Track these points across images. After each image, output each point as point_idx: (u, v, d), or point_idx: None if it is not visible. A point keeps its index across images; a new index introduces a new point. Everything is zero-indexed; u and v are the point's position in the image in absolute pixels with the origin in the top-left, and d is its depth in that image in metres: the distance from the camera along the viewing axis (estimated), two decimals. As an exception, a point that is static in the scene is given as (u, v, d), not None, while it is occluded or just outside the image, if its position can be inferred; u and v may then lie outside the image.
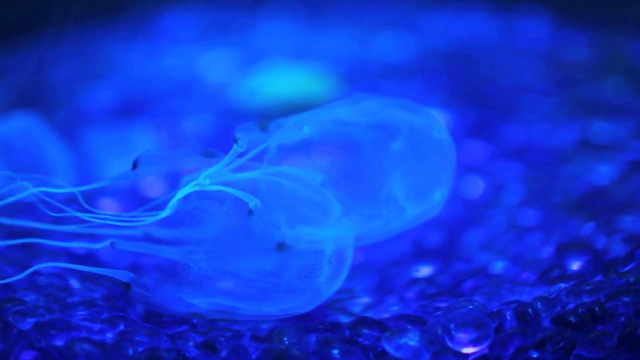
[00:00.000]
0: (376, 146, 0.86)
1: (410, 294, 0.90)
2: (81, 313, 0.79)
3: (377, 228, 0.86)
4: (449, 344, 0.78)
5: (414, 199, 0.86)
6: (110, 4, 1.56)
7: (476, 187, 1.17)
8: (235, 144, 0.84)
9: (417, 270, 0.96)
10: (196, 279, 0.81)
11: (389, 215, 0.85)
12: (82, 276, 0.87)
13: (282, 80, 1.44)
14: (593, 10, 1.65)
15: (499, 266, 0.96)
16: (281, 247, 0.79)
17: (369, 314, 0.82)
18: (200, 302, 0.82)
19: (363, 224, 0.85)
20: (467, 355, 0.78)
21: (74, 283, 0.85)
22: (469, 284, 0.92)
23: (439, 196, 0.88)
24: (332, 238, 0.81)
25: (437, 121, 0.88)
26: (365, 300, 0.89)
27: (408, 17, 1.67)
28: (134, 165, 0.87)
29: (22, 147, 1.17)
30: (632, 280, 0.83)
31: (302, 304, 0.82)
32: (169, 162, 0.87)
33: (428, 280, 0.93)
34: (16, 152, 1.17)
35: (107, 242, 0.82)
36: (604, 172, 1.15)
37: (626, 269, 0.86)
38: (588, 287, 0.82)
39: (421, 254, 0.99)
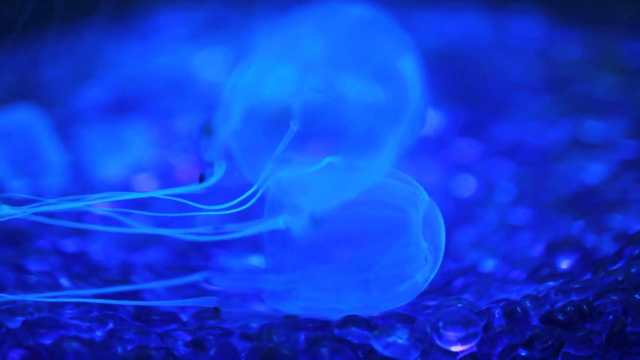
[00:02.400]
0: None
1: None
2: (70, 311, 0.79)
3: None
4: (438, 342, 0.78)
5: None
6: (103, 3, 1.56)
7: (467, 185, 1.17)
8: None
9: None
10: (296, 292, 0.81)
11: None
12: (72, 275, 0.87)
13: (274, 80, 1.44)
14: (586, 9, 1.65)
15: (489, 264, 0.96)
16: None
17: (358, 312, 0.82)
18: (296, 307, 0.81)
19: None
20: (456, 353, 0.78)
21: (64, 282, 0.85)
22: (459, 282, 0.92)
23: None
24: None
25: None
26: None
27: (400, 16, 1.67)
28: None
29: (19, 140, 1.18)
30: (620, 278, 0.83)
31: (401, 296, 0.81)
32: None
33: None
34: (13, 144, 1.17)
35: (201, 276, 0.80)
36: (595, 171, 1.15)
37: (615, 267, 0.86)
38: (577, 286, 0.83)
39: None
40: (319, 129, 0.83)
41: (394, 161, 0.84)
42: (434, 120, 1.33)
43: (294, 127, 0.80)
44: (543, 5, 1.67)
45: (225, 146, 0.84)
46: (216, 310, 0.80)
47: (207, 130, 0.84)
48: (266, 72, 0.85)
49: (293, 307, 0.81)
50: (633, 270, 0.84)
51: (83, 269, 0.90)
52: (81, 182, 1.16)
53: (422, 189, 0.83)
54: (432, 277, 0.83)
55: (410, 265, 0.80)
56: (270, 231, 0.80)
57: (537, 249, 0.97)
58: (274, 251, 0.81)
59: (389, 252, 0.79)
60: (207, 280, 0.79)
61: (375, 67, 0.85)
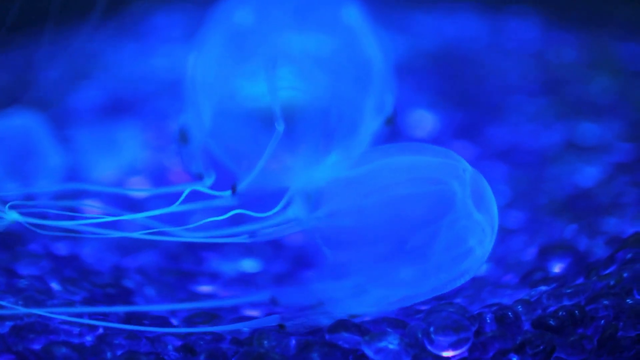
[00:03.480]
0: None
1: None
2: (60, 316, 0.79)
3: None
4: (429, 347, 0.78)
5: None
6: (99, 3, 1.56)
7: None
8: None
9: None
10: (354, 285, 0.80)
11: None
12: (63, 279, 0.86)
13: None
14: (582, 11, 1.65)
15: (482, 268, 0.96)
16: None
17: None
18: (361, 305, 0.81)
19: None
20: (447, 358, 0.78)
21: (55, 285, 0.85)
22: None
23: None
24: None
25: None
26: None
27: (397, 18, 1.67)
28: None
29: (17, 145, 1.17)
30: (612, 283, 0.83)
31: (464, 274, 0.81)
32: None
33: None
34: (11, 148, 1.17)
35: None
36: (589, 174, 1.15)
37: (607, 271, 0.86)
38: (569, 290, 0.83)
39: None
40: (303, 124, 0.83)
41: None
42: (429, 122, 1.33)
43: (279, 127, 0.80)
44: (539, 7, 1.67)
45: (205, 150, 0.83)
46: (281, 326, 0.80)
47: (182, 137, 0.84)
48: (230, 67, 0.85)
49: (359, 307, 0.80)
50: (625, 274, 0.83)
51: (74, 272, 0.90)
52: (75, 184, 1.16)
53: (462, 160, 0.83)
54: (491, 247, 0.82)
55: (467, 239, 0.80)
56: (323, 238, 0.80)
57: (530, 253, 0.97)
58: (330, 257, 0.81)
59: (441, 229, 0.79)
60: (273, 301, 0.79)
61: (320, 18, 0.86)
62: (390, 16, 1.67)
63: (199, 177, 0.83)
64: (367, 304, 0.80)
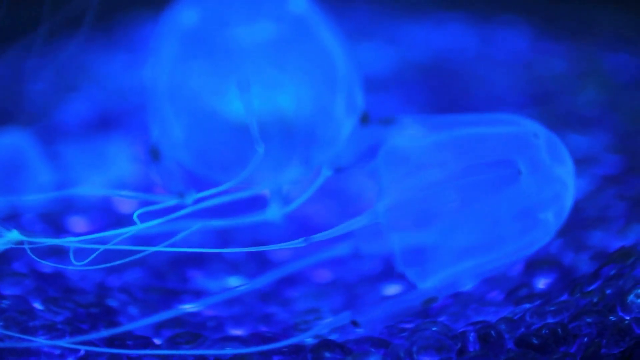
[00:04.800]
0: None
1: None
2: (43, 338, 0.78)
3: None
4: (412, 367, 0.78)
5: None
6: (88, 14, 1.55)
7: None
8: None
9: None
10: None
11: None
12: (46, 299, 0.86)
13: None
14: (571, 22, 1.66)
15: (468, 284, 0.96)
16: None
17: (334, 336, 0.82)
18: (438, 279, 0.80)
19: None
20: (430, 377, 0.78)
21: (37, 305, 0.84)
22: (437, 303, 0.92)
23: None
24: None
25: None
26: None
27: (386, 29, 1.67)
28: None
29: (6, 161, 1.17)
30: (595, 300, 0.83)
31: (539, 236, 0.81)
32: None
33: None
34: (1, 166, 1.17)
35: (346, 319, 0.80)
36: (576, 186, 1.15)
37: (591, 287, 0.86)
38: (552, 308, 0.83)
39: (391, 272, 0.99)
40: (275, 132, 0.83)
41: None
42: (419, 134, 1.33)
43: (259, 149, 0.80)
44: (528, 18, 1.68)
45: (180, 165, 0.83)
46: (355, 323, 0.80)
47: (154, 154, 0.83)
48: (187, 71, 0.84)
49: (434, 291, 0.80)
50: (608, 291, 0.83)
51: (58, 291, 0.89)
52: (61, 199, 1.16)
53: (530, 122, 0.83)
54: (568, 209, 0.82)
55: (547, 196, 0.80)
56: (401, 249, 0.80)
57: (516, 268, 0.97)
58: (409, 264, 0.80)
59: (519, 191, 0.79)
60: (354, 323, 0.79)
61: (268, 10, 0.85)
62: (379, 27, 1.67)
63: (179, 196, 0.83)
64: (448, 280, 0.81)
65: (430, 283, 0.81)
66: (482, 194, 0.80)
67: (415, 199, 0.80)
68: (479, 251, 0.81)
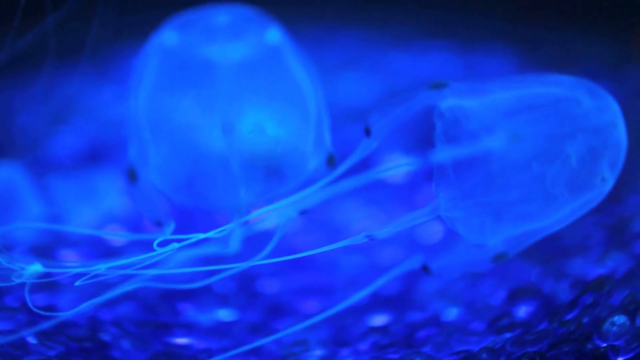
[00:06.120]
0: None
1: (364, 346, 0.91)
2: (33, 360, 0.79)
3: None
4: (394, 398, 0.79)
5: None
6: (77, 46, 1.57)
7: (435, 232, 1.18)
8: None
9: None
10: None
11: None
12: (39, 333, 0.86)
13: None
14: (556, 50, 1.68)
15: (452, 313, 0.98)
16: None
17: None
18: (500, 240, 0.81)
19: None
20: (413, 408, 0.79)
21: (31, 339, 0.85)
22: (421, 333, 0.93)
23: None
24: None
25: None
26: (319, 352, 0.89)
27: (372, 58, 1.69)
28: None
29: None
30: (572, 328, 0.85)
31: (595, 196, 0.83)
32: None
33: (382, 330, 0.94)
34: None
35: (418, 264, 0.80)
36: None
37: (570, 316, 0.88)
38: (532, 337, 0.84)
39: (377, 303, 1.00)
40: (248, 163, 0.83)
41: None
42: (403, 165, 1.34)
43: (240, 182, 0.80)
44: (513, 46, 1.70)
45: (157, 191, 0.83)
46: (425, 268, 0.80)
47: (131, 177, 0.83)
48: (167, 93, 0.85)
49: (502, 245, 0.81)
50: (584, 320, 0.85)
51: (50, 325, 0.90)
52: (52, 232, 1.17)
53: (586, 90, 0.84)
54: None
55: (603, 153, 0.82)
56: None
57: (499, 297, 0.99)
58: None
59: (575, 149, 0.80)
60: (425, 269, 0.78)
61: (248, 39, 0.85)
62: (364, 56, 1.69)
63: (157, 224, 0.83)
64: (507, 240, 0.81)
65: (497, 240, 0.81)
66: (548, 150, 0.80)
67: (477, 159, 0.81)
68: (541, 213, 0.81)
